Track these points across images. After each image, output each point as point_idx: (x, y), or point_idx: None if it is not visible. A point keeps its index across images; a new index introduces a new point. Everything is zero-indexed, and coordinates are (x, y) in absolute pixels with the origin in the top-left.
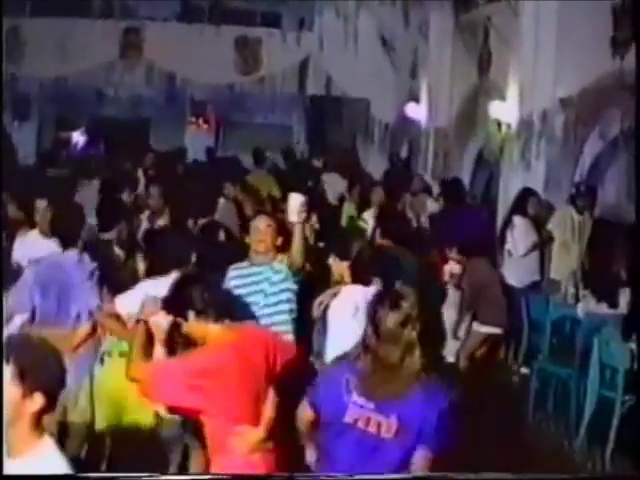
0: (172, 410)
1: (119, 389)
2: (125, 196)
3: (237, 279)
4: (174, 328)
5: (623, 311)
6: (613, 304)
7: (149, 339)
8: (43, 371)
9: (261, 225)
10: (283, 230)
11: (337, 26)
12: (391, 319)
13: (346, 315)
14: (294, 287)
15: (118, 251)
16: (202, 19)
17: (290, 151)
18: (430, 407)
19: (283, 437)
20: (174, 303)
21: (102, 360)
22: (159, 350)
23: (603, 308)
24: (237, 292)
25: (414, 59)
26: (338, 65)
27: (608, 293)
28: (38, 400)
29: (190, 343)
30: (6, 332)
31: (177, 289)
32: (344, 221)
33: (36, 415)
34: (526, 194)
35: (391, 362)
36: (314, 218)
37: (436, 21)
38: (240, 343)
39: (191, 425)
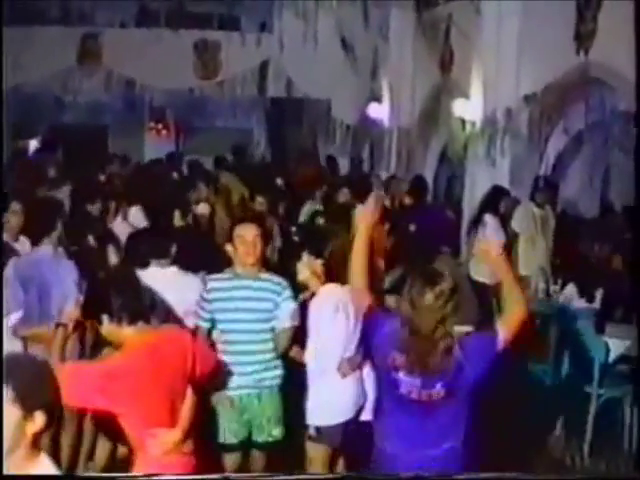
0: (82, 412)
1: None
2: (93, 206)
3: (219, 292)
4: (92, 331)
5: (596, 305)
6: (590, 298)
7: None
8: (41, 389)
9: (249, 235)
10: (269, 238)
11: (297, 27)
12: (429, 295)
13: (326, 315)
14: (291, 303)
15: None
16: (160, 24)
17: (240, 148)
18: (468, 371)
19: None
20: (90, 307)
21: None
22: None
23: (580, 302)
24: (218, 306)
25: (375, 59)
26: (298, 66)
27: (585, 287)
28: (39, 419)
29: (107, 346)
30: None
31: (92, 292)
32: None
33: (37, 435)
34: (497, 192)
35: (429, 335)
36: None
37: (396, 20)
38: (156, 345)
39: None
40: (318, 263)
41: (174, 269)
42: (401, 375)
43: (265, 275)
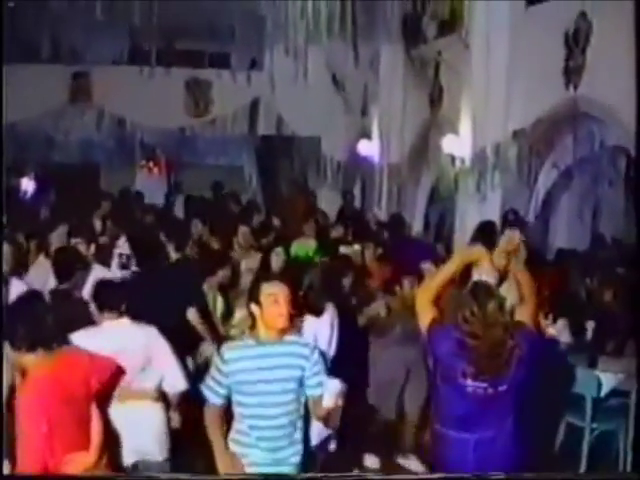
0: None
1: None
2: (83, 246)
3: (240, 362)
4: None
5: (587, 339)
6: (581, 332)
7: None
8: None
9: (281, 294)
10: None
11: (287, 64)
12: (491, 306)
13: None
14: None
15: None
16: (151, 62)
17: (218, 185)
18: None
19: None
20: None
21: None
22: None
23: (569, 336)
24: (239, 378)
25: (365, 95)
26: (289, 104)
27: (577, 321)
28: None
29: None
30: None
31: None
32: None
33: None
34: (487, 227)
35: (493, 343)
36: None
37: (386, 57)
38: (57, 371)
39: None
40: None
41: (126, 320)
42: (469, 381)
43: (290, 338)
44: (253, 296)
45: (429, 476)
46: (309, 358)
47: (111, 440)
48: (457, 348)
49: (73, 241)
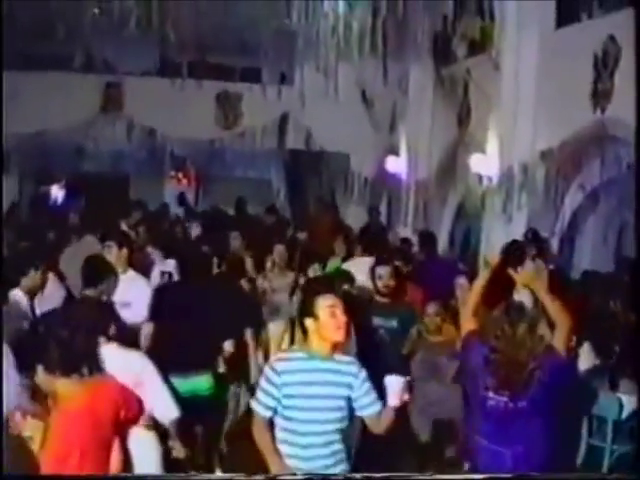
0: None
1: None
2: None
3: (293, 374)
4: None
5: (611, 361)
6: (606, 355)
7: None
8: None
9: (339, 307)
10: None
11: (317, 80)
12: (522, 327)
13: None
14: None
15: None
16: (182, 74)
17: (241, 201)
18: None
19: None
20: (25, 358)
21: None
22: None
23: (594, 359)
24: (290, 391)
25: (393, 113)
26: (318, 119)
27: (605, 344)
28: None
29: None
30: None
31: (28, 344)
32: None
33: None
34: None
35: (518, 361)
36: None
37: (416, 75)
38: (89, 398)
39: None
40: None
41: (114, 345)
42: (490, 394)
43: (338, 355)
44: (309, 309)
45: (434, 477)
46: (357, 376)
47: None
48: (483, 362)
49: (106, 244)
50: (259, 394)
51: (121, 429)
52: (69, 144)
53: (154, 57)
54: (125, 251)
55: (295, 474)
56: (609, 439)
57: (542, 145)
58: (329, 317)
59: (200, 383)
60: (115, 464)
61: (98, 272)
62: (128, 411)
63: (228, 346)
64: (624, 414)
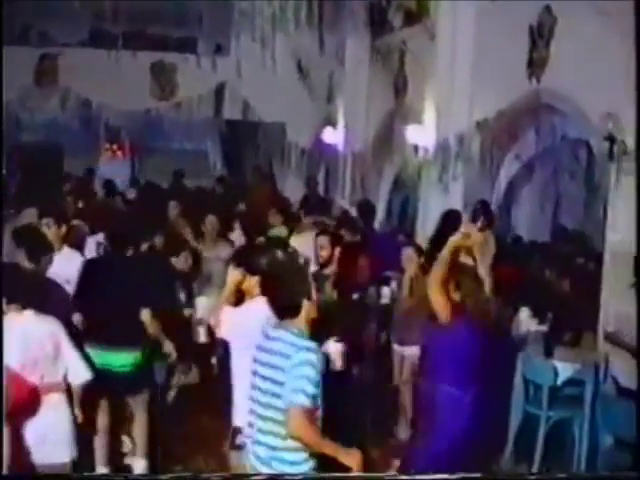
0: None
1: None
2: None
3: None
4: None
5: (545, 328)
6: (542, 320)
7: None
8: None
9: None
10: None
11: (254, 51)
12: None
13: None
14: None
15: None
16: (117, 45)
17: (178, 173)
18: None
19: None
20: None
21: None
22: None
23: (531, 324)
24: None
25: (330, 83)
26: (254, 90)
27: (537, 310)
28: None
29: None
30: None
31: None
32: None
33: None
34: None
35: None
36: None
37: (352, 46)
38: None
39: None
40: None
41: (29, 312)
42: None
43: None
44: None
45: (429, 477)
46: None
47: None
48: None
49: (44, 221)
50: (311, 387)
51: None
52: (5, 116)
53: (89, 28)
54: (64, 228)
55: (295, 474)
56: (545, 405)
57: (478, 115)
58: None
59: (121, 358)
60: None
61: (39, 246)
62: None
63: (145, 315)
64: (559, 381)
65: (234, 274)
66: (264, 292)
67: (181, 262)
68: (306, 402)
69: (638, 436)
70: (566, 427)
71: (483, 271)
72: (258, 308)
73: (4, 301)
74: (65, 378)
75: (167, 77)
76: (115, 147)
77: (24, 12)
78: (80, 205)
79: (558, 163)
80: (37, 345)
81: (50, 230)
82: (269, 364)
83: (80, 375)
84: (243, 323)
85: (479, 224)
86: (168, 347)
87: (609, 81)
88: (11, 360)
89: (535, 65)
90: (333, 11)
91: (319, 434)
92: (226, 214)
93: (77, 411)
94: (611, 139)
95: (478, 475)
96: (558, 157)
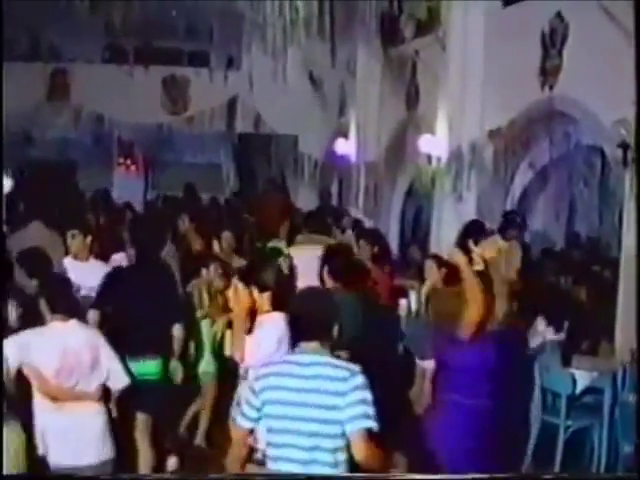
0: None
1: None
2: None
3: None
4: None
5: (562, 337)
6: (558, 328)
7: None
8: None
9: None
10: None
11: (265, 63)
12: None
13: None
14: None
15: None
16: (129, 60)
17: (189, 187)
18: None
19: None
20: None
21: None
22: None
23: (547, 333)
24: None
25: (342, 95)
26: (266, 102)
27: (553, 318)
28: None
29: None
30: None
31: None
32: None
33: None
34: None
35: None
36: None
37: (363, 56)
38: None
39: None
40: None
41: (73, 321)
42: None
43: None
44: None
45: (429, 477)
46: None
47: None
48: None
49: (69, 233)
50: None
51: None
52: (16, 132)
53: (100, 43)
54: (89, 239)
55: (297, 474)
56: (563, 414)
57: (491, 124)
58: None
59: (149, 367)
60: None
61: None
62: None
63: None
64: (577, 389)
65: (244, 296)
66: (277, 309)
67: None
68: (371, 424)
69: (638, 436)
70: (585, 436)
71: (504, 281)
72: (275, 326)
73: (48, 310)
74: (102, 387)
75: (179, 91)
76: (128, 162)
77: (35, 28)
78: (100, 218)
79: (572, 170)
80: (74, 355)
81: (75, 241)
82: (306, 390)
83: (120, 380)
84: (262, 344)
85: (507, 235)
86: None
87: (622, 88)
88: (48, 366)
89: (548, 73)
90: (344, 22)
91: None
92: (239, 228)
93: (115, 413)
94: (625, 146)
95: (480, 475)
96: (572, 164)
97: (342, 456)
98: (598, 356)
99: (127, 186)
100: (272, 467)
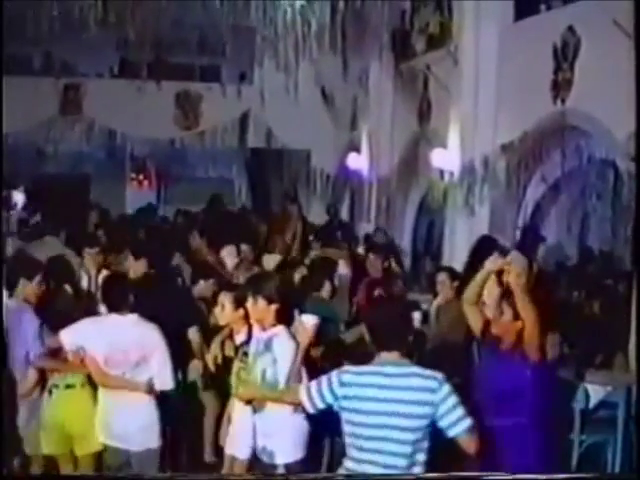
0: None
1: (66, 419)
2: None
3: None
4: None
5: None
6: (571, 345)
7: None
8: None
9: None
10: None
11: (277, 78)
12: None
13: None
14: None
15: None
16: (142, 75)
17: (216, 198)
18: None
19: None
20: None
21: (50, 392)
22: None
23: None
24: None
25: (354, 109)
26: (278, 117)
27: (566, 334)
28: None
29: None
30: None
31: None
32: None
33: None
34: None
35: None
36: None
37: (376, 71)
38: None
39: None
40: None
41: (134, 317)
42: None
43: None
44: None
45: (429, 475)
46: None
47: None
48: None
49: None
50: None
51: None
52: (29, 147)
53: (113, 58)
54: (102, 255)
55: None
56: (577, 429)
57: (503, 138)
58: None
59: None
60: None
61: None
62: None
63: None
64: (591, 404)
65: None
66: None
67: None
68: (470, 421)
69: (638, 436)
70: (600, 451)
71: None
72: (287, 339)
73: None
74: (151, 380)
75: (191, 106)
76: (141, 177)
77: (47, 43)
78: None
79: (585, 184)
80: (121, 350)
81: (91, 258)
82: (393, 400)
83: (164, 383)
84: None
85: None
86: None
87: (634, 101)
88: (96, 354)
89: (560, 86)
90: (356, 36)
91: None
92: (252, 242)
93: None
94: (638, 159)
95: (480, 474)
96: (584, 178)
97: (422, 457)
98: (612, 370)
99: (140, 201)
100: (354, 469)
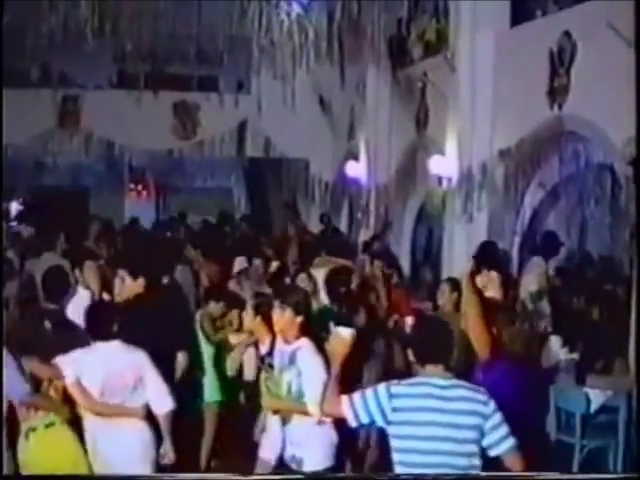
0: None
1: (49, 460)
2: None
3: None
4: None
5: (576, 356)
6: (572, 347)
7: None
8: None
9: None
10: None
11: (275, 87)
12: None
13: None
14: None
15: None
16: (139, 85)
17: (225, 214)
18: None
19: None
20: None
21: (27, 436)
22: None
23: (561, 353)
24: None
25: (352, 117)
26: (276, 126)
27: (567, 338)
28: None
29: None
30: None
31: None
32: None
33: None
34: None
35: None
36: None
37: (373, 78)
38: None
39: None
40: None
41: (117, 343)
42: None
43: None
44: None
45: (439, 475)
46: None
47: None
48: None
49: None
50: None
51: None
52: (27, 159)
53: (110, 69)
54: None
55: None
56: (578, 434)
57: (500, 144)
58: None
59: None
60: None
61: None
62: None
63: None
64: (592, 409)
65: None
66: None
67: None
68: (514, 440)
69: (638, 437)
70: (601, 455)
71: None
72: (311, 352)
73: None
74: (146, 405)
75: (189, 116)
76: (140, 187)
77: (45, 54)
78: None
79: (583, 189)
80: (117, 376)
81: (91, 275)
82: (447, 411)
83: (163, 405)
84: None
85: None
86: None
87: (631, 105)
88: (93, 385)
89: (556, 92)
90: (353, 45)
91: None
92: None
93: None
94: (635, 163)
95: (479, 474)
96: (582, 183)
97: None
98: (612, 375)
99: (139, 211)
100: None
